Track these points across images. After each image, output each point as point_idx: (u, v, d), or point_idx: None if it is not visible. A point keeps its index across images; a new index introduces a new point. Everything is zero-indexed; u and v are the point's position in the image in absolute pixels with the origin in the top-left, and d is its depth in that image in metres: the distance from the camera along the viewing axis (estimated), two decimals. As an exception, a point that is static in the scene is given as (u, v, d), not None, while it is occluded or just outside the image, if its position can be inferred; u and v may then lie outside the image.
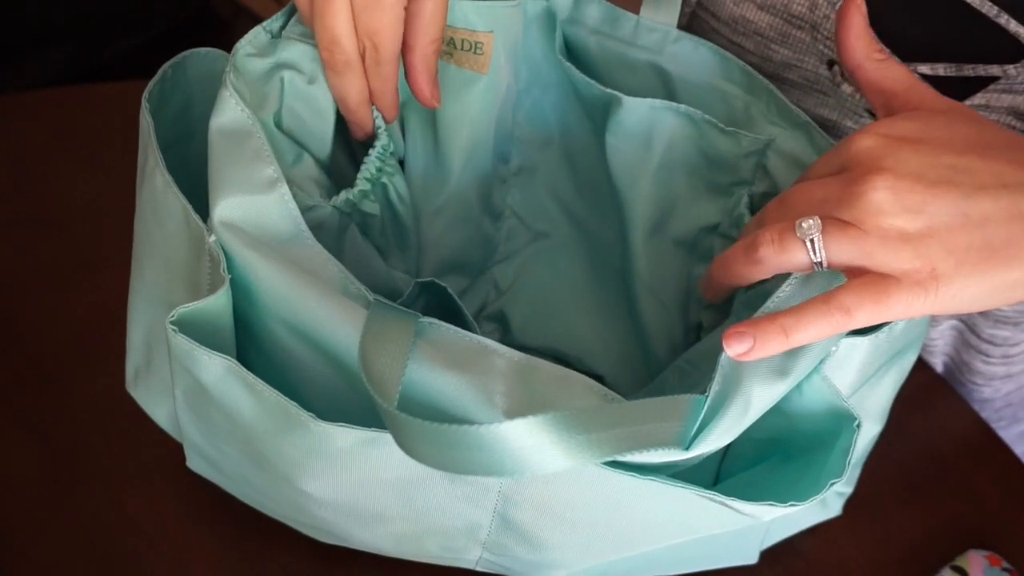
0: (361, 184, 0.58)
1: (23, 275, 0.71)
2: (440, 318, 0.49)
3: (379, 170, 0.59)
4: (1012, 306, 0.69)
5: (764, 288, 0.54)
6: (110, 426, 0.65)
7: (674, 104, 0.58)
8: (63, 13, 1.55)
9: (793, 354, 0.47)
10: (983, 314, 0.71)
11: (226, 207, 0.49)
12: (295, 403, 0.47)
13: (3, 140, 0.78)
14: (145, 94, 0.53)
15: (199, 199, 0.51)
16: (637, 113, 0.58)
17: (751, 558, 0.60)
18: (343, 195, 0.58)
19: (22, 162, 0.77)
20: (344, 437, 0.47)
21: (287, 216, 0.49)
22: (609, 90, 0.58)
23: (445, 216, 0.64)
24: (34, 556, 0.60)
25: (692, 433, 0.46)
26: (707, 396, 0.46)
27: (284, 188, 0.49)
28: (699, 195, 0.60)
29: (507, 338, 0.69)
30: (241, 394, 0.48)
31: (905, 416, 0.69)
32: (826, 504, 0.61)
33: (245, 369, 0.47)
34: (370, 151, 0.58)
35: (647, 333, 0.64)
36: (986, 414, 0.75)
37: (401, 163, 0.63)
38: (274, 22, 0.54)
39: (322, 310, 0.47)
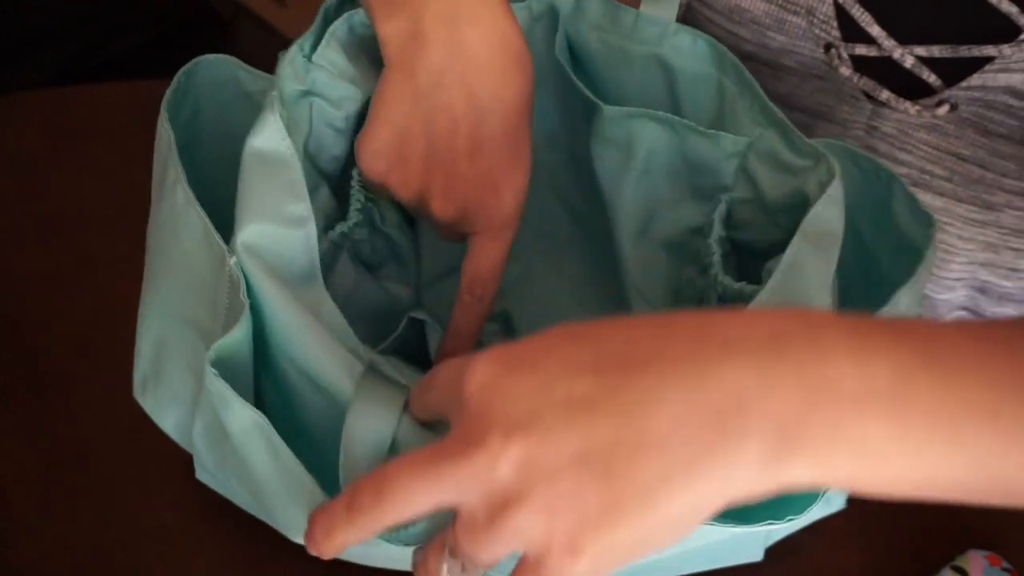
0: (354, 217, 0.59)
1: (23, 275, 0.71)
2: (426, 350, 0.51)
3: (367, 198, 0.59)
4: (1014, 283, 0.69)
5: None
6: (111, 427, 0.64)
7: (652, 111, 0.58)
8: (63, 13, 1.55)
9: None
10: (985, 292, 0.70)
11: (252, 233, 0.49)
12: (313, 478, 0.46)
13: (3, 140, 0.78)
14: (165, 105, 0.53)
15: (205, 204, 0.51)
16: (617, 121, 0.59)
17: (756, 556, 0.60)
18: (338, 229, 0.58)
19: (22, 162, 0.77)
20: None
21: (308, 257, 0.50)
22: (591, 97, 0.59)
23: None
24: (34, 556, 0.60)
25: None
26: None
27: (312, 228, 0.50)
28: (683, 199, 0.61)
29: (510, 338, 0.69)
30: (262, 451, 0.48)
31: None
32: (828, 500, 0.61)
33: (273, 430, 0.47)
34: (352, 182, 0.58)
35: None
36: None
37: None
38: (305, 41, 0.54)
39: (323, 356, 0.48)
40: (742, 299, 0.55)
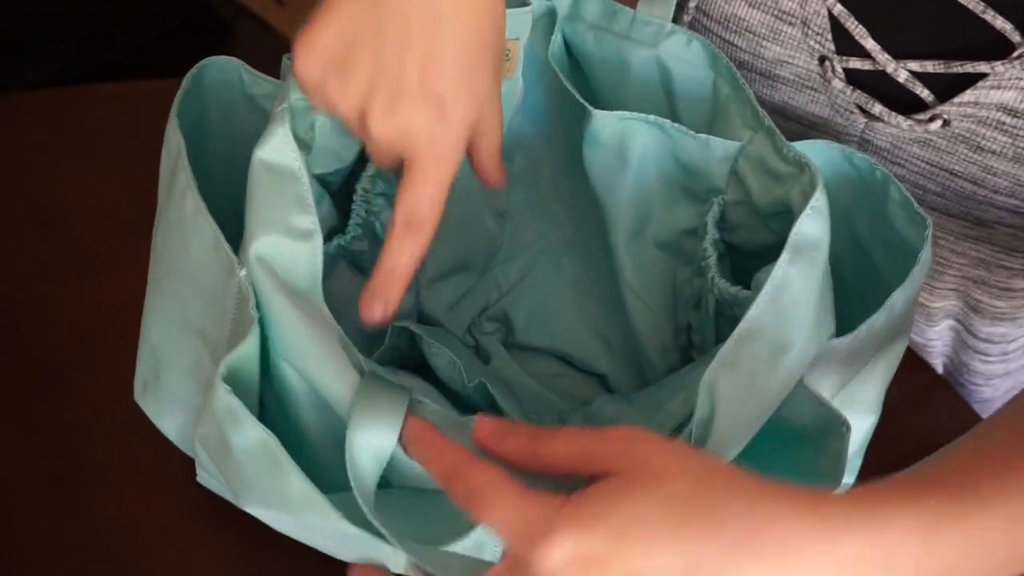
0: (352, 231, 0.59)
1: (23, 275, 0.71)
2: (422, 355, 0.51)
3: (367, 212, 0.59)
4: (1007, 303, 0.69)
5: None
6: (110, 426, 0.65)
7: (642, 115, 0.58)
8: (63, 13, 1.55)
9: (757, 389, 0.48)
10: (979, 311, 0.71)
11: (263, 244, 0.49)
12: (325, 498, 0.46)
13: (3, 140, 0.79)
14: (174, 110, 0.52)
15: (210, 206, 0.51)
16: (608, 125, 0.59)
17: None
18: (336, 241, 0.59)
19: (22, 162, 0.77)
20: (361, 539, 0.47)
21: (311, 270, 0.49)
22: (582, 101, 0.59)
23: (451, 216, 0.65)
24: (34, 556, 0.60)
25: None
26: (691, 429, 0.47)
27: (318, 242, 0.49)
28: (677, 200, 0.61)
29: (510, 338, 0.69)
30: (268, 469, 0.47)
31: (905, 416, 0.68)
32: None
33: (282, 448, 0.47)
34: (355, 196, 0.59)
35: (637, 335, 0.64)
36: (986, 414, 0.75)
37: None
38: None
39: (328, 369, 0.48)
40: (737, 303, 0.56)
